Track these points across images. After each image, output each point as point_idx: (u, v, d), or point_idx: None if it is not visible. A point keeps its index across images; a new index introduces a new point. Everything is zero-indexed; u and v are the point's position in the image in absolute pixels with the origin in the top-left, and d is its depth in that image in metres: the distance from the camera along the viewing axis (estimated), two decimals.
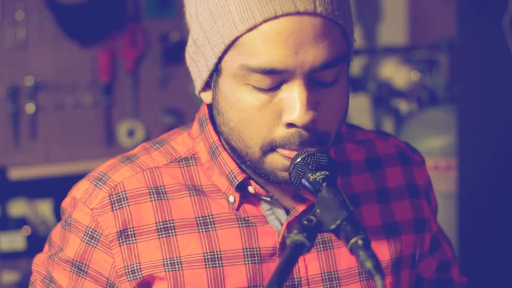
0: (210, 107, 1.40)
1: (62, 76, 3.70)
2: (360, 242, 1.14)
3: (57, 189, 3.65)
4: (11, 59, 3.64)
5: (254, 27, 1.23)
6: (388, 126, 4.00)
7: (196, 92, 1.37)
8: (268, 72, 1.23)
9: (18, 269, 3.65)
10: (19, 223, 3.60)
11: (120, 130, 3.80)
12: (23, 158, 3.69)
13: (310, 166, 1.24)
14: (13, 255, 3.60)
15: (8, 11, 3.61)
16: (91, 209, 1.36)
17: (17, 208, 3.67)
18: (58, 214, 3.60)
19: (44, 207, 3.69)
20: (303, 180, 1.24)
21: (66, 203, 1.41)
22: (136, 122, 3.81)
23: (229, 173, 1.35)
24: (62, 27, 3.65)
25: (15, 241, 3.56)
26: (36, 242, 3.57)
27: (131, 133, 3.80)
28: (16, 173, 3.64)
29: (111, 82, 3.77)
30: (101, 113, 3.78)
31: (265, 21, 1.22)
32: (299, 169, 1.24)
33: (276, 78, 1.24)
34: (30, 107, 3.68)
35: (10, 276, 3.65)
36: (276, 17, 1.22)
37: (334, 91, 1.28)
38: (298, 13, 1.22)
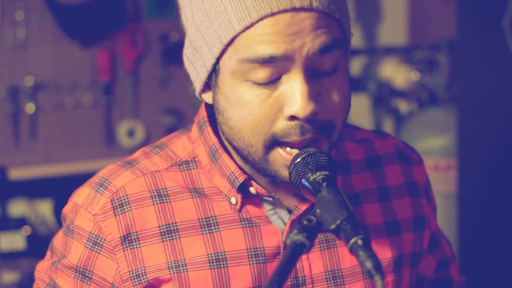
0: (208, 109, 1.40)
1: (62, 76, 3.70)
2: (360, 242, 1.14)
3: (57, 189, 3.65)
4: (11, 59, 3.64)
5: (251, 25, 1.23)
6: (388, 126, 4.00)
7: (196, 93, 1.37)
8: (268, 60, 1.23)
9: (18, 269, 3.65)
10: (19, 223, 3.60)
11: (120, 130, 3.80)
12: (23, 158, 3.69)
13: (310, 166, 1.24)
14: (13, 255, 3.59)
15: (8, 11, 3.61)
16: (94, 215, 1.36)
17: (17, 208, 3.66)
18: (58, 214, 3.60)
19: (44, 207, 3.69)
20: (303, 180, 1.24)
21: (67, 209, 1.41)
22: (136, 122, 3.81)
23: (230, 175, 1.35)
24: (62, 27, 3.65)
25: (15, 241, 3.56)
26: (36, 242, 3.57)
27: (131, 133, 3.80)
28: (16, 173, 3.64)
29: (111, 82, 3.77)
30: (101, 113, 3.78)
31: (261, 18, 1.22)
32: (299, 169, 1.24)
33: (275, 68, 1.23)
34: (30, 107, 3.68)
35: (10, 276, 3.65)
36: (272, 14, 1.22)
37: (335, 81, 1.27)
38: (294, 9, 1.22)
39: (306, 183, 1.23)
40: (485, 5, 2.89)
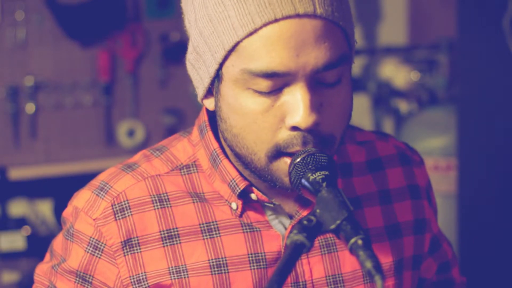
0: (209, 113, 1.39)
1: (62, 76, 3.70)
2: (360, 242, 1.13)
3: (57, 189, 3.65)
4: (11, 59, 3.64)
5: (254, 31, 1.22)
6: (388, 126, 4.00)
7: (199, 99, 1.36)
8: (270, 75, 1.22)
9: (18, 269, 3.65)
10: (19, 223, 3.60)
11: (120, 130, 3.80)
12: (23, 158, 3.69)
13: (309, 166, 1.23)
14: (13, 255, 3.59)
15: (8, 11, 3.61)
16: (94, 220, 1.35)
17: (17, 208, 3.66)
18: (58, 214, 3.60)
19: (44, 207, 3.69)
20: (303, 180, 1.23)
21: (67, 213, 1.40)
22: (136, 122, 3.81)
23: (231, 181, 1.35)
24: (62, 27, 3.65)
25: (15, 241, 3.56)
26: (36, 242, 3.57)
27: (131, 133, 3.80)
28: (16, 173, 3.64)
29: (111, 82, 3.77)
30: (101, 113, 3.78)
31: (265, 25, 1.21)
32: (299, 169, 1.24)
33: (278, 81, 1.23)
34: (30, 107, 3.68)
35: (10, 276, 3.65)
36: (276, 20, 1.21)
37: (338, 92, 1.27)
38: (298, 15, 1.21)
39: (306, 183, 1.23)
40: (485, 5, 2.89)
